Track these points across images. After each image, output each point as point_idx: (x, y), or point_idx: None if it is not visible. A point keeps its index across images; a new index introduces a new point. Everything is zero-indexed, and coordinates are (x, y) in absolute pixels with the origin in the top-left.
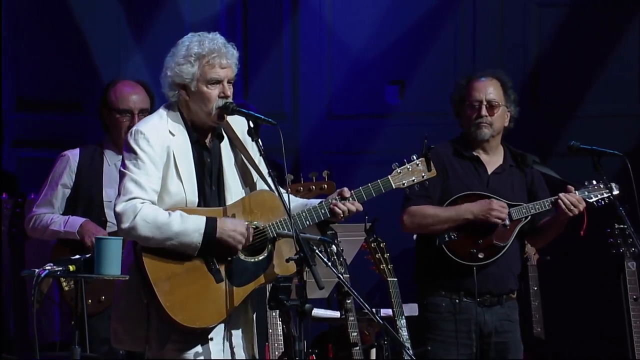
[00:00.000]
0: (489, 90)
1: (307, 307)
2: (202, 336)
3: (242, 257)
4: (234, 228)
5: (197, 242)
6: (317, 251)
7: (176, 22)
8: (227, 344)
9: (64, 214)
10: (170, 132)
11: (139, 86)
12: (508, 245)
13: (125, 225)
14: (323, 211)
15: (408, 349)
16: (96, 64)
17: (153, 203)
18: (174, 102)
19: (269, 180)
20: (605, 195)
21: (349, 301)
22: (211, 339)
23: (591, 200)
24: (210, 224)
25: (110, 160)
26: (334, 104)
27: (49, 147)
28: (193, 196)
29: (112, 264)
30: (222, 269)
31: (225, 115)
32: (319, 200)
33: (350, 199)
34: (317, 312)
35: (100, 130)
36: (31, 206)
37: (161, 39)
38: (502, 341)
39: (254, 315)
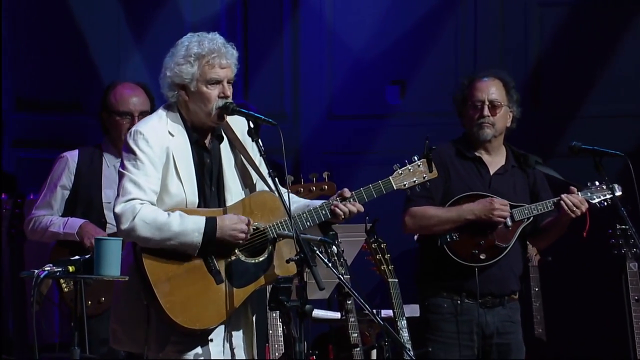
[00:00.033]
0: (492, 90)
1: (307, 308)
2: (202, 337)
3: (243, 258)
4: (233, 227)
5: (197, 241)
6: (317, 252)
7: (176, 22)
8: (227, 345)
9: (63, 215)
10: (169, 132)
11: (139, 88)
12: (510, 246)
13: (124, 226)
14: (324, 212)
15: (409, 350)
16: (96, 64)
17: (152, 204)
18: (174, 103)
19: (269, 180)
20: (608, 196)
21: (349, 302)
22: (211, 340)
23: (594, 202)
24: (210, 223)
25: (110, 162)
26: (334, 104)
27: (48, 148)
28: (193, 197)
29: (112, 265)
30: (222, 270)
31: (225, 116)
32: (321, 202)
33: (351, 199)
34: (318, 313)
35: (99, 130)
36: (30, 207)
37: (161, 38)
38: (504, 342)
39: (254, 317)
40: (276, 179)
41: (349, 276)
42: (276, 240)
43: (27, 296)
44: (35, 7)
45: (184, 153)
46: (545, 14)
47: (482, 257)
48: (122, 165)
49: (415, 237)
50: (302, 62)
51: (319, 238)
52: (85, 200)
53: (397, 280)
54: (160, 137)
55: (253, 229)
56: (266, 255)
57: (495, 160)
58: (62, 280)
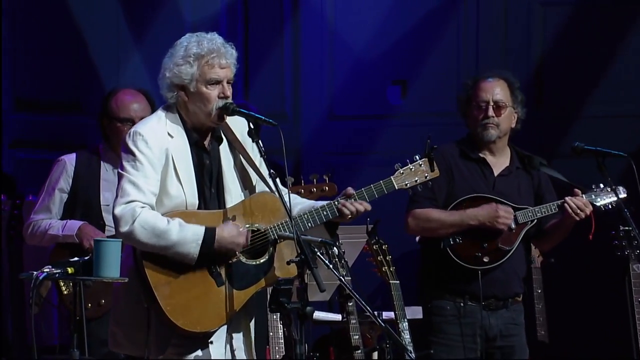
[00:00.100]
0: (496, 90)
1: (308, 310)
2: (202, 340)
3: (243, 260)
4: (232, 240)
5: (194, 252)
6: (318, 253)
7: (176, 21)
8: (228, 347)
9: (61, 218)
10: (168, 134)
11: (140, 95)
12: (513, 249)
13: (123, 229)
14: (325, 213)
15: (410, 352)
16: (95, 64)
17: (151, 206)
18: (173, 104)
19: (270, 181)
20: (612, 199)
21: (350, 304)
22: (211, 342)
23: (598, 204)
24: (209, 234)
25: (109, 166)
26: (335, 104)
27: (48, 148)
28: (193, 198)
29: (111, 266)
30: (223, 272)
31: (225, 116)
32: (326, 202)
33: (355, 198)
34: (319, 315)
35: (99, 130)
36: (29, 208)
37: (161, 38)
38: (507, 345)
39: (253, 319)
40: (277, 180)
41: (350, 278)
42: (277, 241)
43: (26, 298)
44: (35, 7)
45: (184, 154)
46: (548, 13)
47: (485, 260)
48: (121, 167)
49: (417, 238)
50: (303, 62)
51: (319, 239)
52: (84, 203)
53: (398, 281)
54: (159, 139)
55: (254, 230)
56: (267, 257)
57: (499, 161)
58: (61, 283)
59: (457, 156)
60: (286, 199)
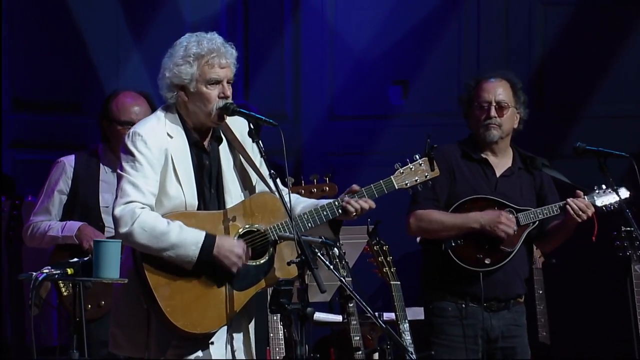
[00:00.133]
0: (499, 91)
1: (308, 311)
2: (203, 341)
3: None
4: (230, 249)
5: (193, 255)
6: (318, 254)
7: (176, 21)
8: (228, 347)
9: (61, 220)
10: (168, 134)
11: (141, 97)
12: (515, 251)
13: (122, 230)
14: (325, 213)
15: (411, 354)
16: (95, 64)
17: (151, 207)
18: (172, 104)
19: (270, 182)
20: (615, 200)
21: (351, 305)
22: (212, 343)
23: (600, 205)
24: (209, 239)
25: (108, 168)
26: (336, 104)
27: (47, 149)
28: (192, 199)
29: (111, 267)
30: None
31: (225, 116)
32: (329, 201)
33: (356, 196)
34: (319, 316)
35: (99, 131)
36: (28, 209)
37: (161, 39)
38: (509, 346)
39: (253, 319)
40: (277, 180)
41: (350, 278)
42: (277, 242)
43: (25, 299)
44: (35, 7)
45: (183, 155)
46: (549, 13)
47: (487, 261)
48: (121, 167)
49: (418, 239)
50: (303, 62)
51: (320, 240)
52: (83, 204)
53: (399, 282)
54: (158, 139)
55: (253, 230)
56: (267, 258)
57: (501, 162)
58: (61, 284)
59: (459, 157)
60: (286, 199)
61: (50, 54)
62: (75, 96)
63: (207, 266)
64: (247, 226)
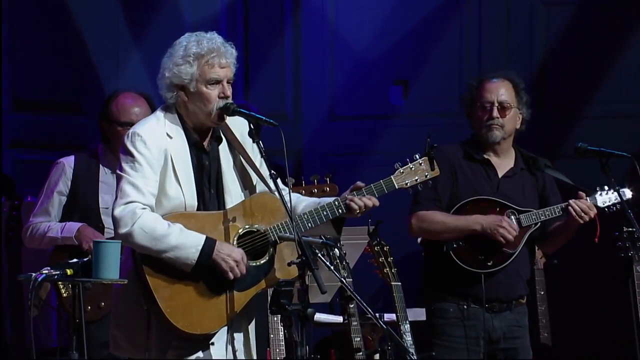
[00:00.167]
0: (501, 91)
1: (309, 312)
2: (203, 342)
3: None
4: (229, 253)
5: (192, 258)
6: (319, 255)
7: (176, 21)
8: (229, 348)
9: (60, 221)
10: (167, 134)
11: (141, 98)
12: (517, 252)
13: (122, 230)
14: (325, 213)
15: (412, 355)
16: (95, 64)
17: (151, 207)
18: (172, 104)
19: (270, 182)
20: (617, 201)
21: (351, 306)
22: (212, 344)
23: (603, 207)
24: (209, 243)
25: (107, 169)
26: (336, 104)
27: (47, 149)
28: (192, 200)
29: (111, 268)
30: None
31: (225, 116)
32: (332, 199)
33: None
34: (320, 316)
35: (99, 131)
36: (28, 209)
37: (161, 39)
38: (511, 347)
39: (254, 320)
40: (278, 180)
41: (351, 279)
42: (277, 242)
43: (24, 300)
44: (35, 7)
45: (183, 155)
46: (550, 13)
47: (488, 263)
48: (120, 168)
49: (419, 240)
50: (304, 62)
51: (320, 241)
52: (83, 205)
53: (400, 283)
54: (158, 139)
55: (253, 230)
56: (267, 258)
57: (504, 162)
58: (61, 285)
59: (461, 157)
60: (287, 199)
61: (50, 54)
62: (75, 96)
63: (207, 269)
64: (247, 226)
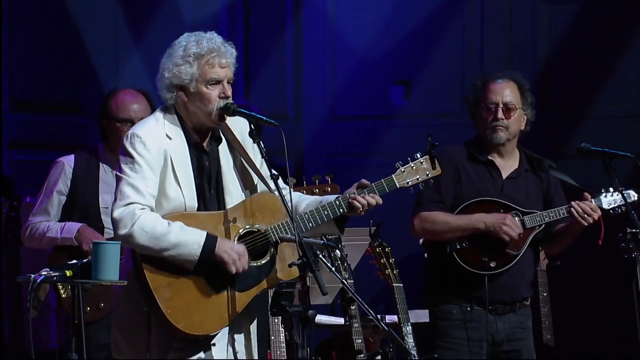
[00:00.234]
0: (506, 92)
1: (310, 314)
2: (204, 343)
3: None
4: (231, 247)
5: (195, 254)
6: (320, 256)
7: (176, 21)
8: (230, 349)
9: (60, 221)
10: (167, 135)
11: (140, 95)
12: (521, 254)
13: (122, 231)
14: (326, 212)
15: (414, 357)
16: (94, 64)
17: (151, 208)
18: (171, 105)
19: (270, 182)
20: (622, 203)
21: (353, 307)
22: (214, 344)
23: (607, 208)
24: (211, 238)
25: (107, 168)
26: (337, 104)
27: (46, 149)
28: (192, 201)
29: (110, 269)
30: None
31: (225, 116)
32: (335, 197)
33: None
34: (321, 318)
35: (98, 131)
36: (27, 210)
37: (160, 38)
38: (514, 349)
39: (255, 321)
40: (278, 180)
41: (352, 281)
42: (278, 243)
43: (23, 301)
44: (34, 7)
45: (182, 156)
46: (553, 12)
47: (492, 265)
48: (120, 169)
49: (421, 241)
50: (305, 62)
51: (321, 242)
52: (82, 205)
53: (402, 284)
54: (157, 140)
55: (254, 230)
56: (268, 258)
57: (508, 164)
58: (60, 286)
59: (464, 158)
60: (287, 199)
61: (50, 54)
62: (75, 96)
63: (208, 267)
64: (247, 226)
